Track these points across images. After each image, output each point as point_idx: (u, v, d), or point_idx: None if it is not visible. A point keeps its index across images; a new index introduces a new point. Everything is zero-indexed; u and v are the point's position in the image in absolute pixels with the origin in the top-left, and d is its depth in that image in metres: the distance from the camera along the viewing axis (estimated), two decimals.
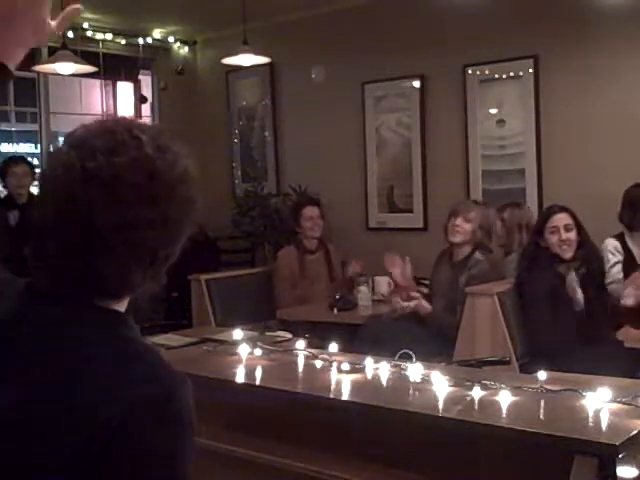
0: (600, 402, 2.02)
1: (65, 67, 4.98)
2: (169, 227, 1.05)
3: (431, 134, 5.80)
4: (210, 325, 4.60)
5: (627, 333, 3.81)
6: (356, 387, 2.34)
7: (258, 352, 2.77)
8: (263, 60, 5.43)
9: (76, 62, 4.98)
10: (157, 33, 6.93)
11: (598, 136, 5.04)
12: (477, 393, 2.13)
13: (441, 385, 2.20)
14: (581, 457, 1.77)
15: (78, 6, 1.18)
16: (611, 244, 4.25)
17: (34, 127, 7.31)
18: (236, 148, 7.05)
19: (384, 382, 2.37)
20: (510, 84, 5.39)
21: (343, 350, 2.81)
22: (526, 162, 5.33)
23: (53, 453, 0.95)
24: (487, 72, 5.47)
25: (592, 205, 4.61)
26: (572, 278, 3.82)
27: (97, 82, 7.16)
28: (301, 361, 2.66)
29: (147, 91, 7.16)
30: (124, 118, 1.11)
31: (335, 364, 2.52)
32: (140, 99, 7.03)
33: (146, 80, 7.18)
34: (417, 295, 4.26)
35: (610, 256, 4.22)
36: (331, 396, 2.30)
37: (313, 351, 2.72)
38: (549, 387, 2.17)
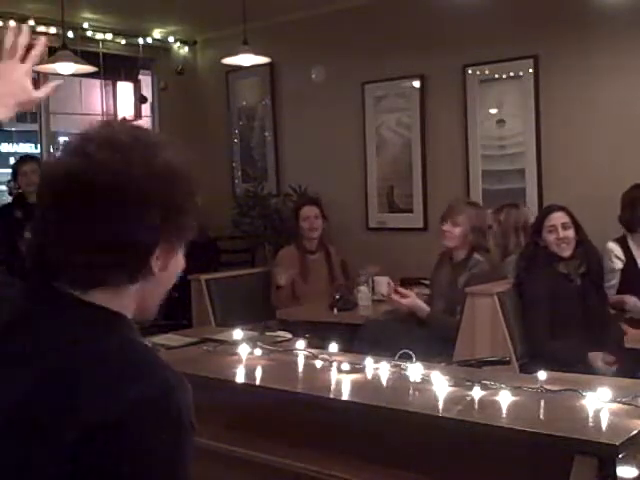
0: (600, 402, 2.02)
1: (65, 67, 4.97)
2: (169, 220, 1.07)
3: (431, 134, 5.80)
4: (210, 325, 4.59)
5: (627, 333, 3.82)
6: (356, 387, 2.34)
7: (258, 352, 2.77)
8: (263, 60, 5.43)
9: (76, 62, 4.97)
10: (157, 33, 6.93)
11: (598, 136, 5.03)
12: (477, 393, 2.13)
13: (441, 385, 2.20)
14: (581, 457, 1.77)
15: (43, 40, 1.29)
16: (614, 250, 4.25)
17: (34, 127, 7.29)
18: (236, 148, 7.05)
19: (384, 382, 2.37)
20: (510, 84, 5.39)
21: (343, 350, 2.81)
22: (526, 162, 5.33)
23: (53, 453, 0.95)
24: (487, 72, 5.46)
25: (592, 205, 4.61)
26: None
27: (97, 82, 7.16)
28: (301, 361, 2.66)
29: (147, 91, 7.15)
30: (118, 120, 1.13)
31: (335, 364, 2.52)
32: (140, 99, 7.02)
33: (146, 80, 7.17)
34: (411, 293, 4.23)
35: (609, 263, 4.22)
36: (331, 396, 2.29)
37: (313, 351, 2.72)
38: (549, 387, 2.17)
